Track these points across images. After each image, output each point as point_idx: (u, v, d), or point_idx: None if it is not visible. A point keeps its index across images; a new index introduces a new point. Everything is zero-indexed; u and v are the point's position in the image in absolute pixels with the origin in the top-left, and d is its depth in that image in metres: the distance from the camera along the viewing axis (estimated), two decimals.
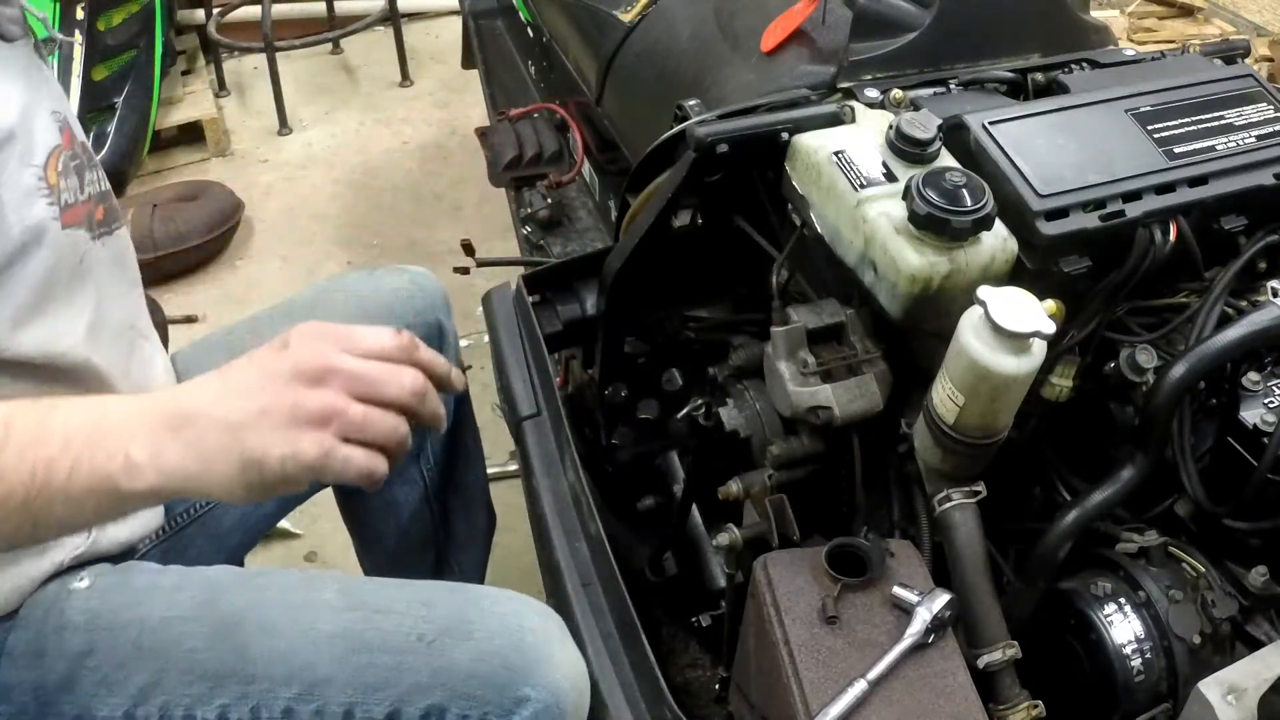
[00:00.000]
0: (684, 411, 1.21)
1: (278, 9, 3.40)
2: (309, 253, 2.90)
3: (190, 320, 2.58)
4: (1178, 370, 0.92)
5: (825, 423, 1.02)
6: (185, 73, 3.51)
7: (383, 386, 0.73)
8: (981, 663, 0.90)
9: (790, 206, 1.10)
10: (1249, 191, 1.04)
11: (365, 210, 3.09)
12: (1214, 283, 1.02)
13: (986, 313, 0.84)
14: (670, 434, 1.30)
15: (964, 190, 0.92)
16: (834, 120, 1.09)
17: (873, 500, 1.11)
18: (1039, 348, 0.86)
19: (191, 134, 3.31)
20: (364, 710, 0.94)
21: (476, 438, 1.52)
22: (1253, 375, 0.96)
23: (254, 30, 3.34)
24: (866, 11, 1.20)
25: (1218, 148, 1.06)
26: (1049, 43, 1.24)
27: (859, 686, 0.84)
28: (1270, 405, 0.94)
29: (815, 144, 1.05)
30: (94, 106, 2.94)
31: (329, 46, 3.85)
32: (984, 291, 0.86)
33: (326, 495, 1.55)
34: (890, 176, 1.00)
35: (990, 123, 1.03)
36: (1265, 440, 0.91)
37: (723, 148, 1.08)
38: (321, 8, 3.71)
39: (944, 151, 1.03)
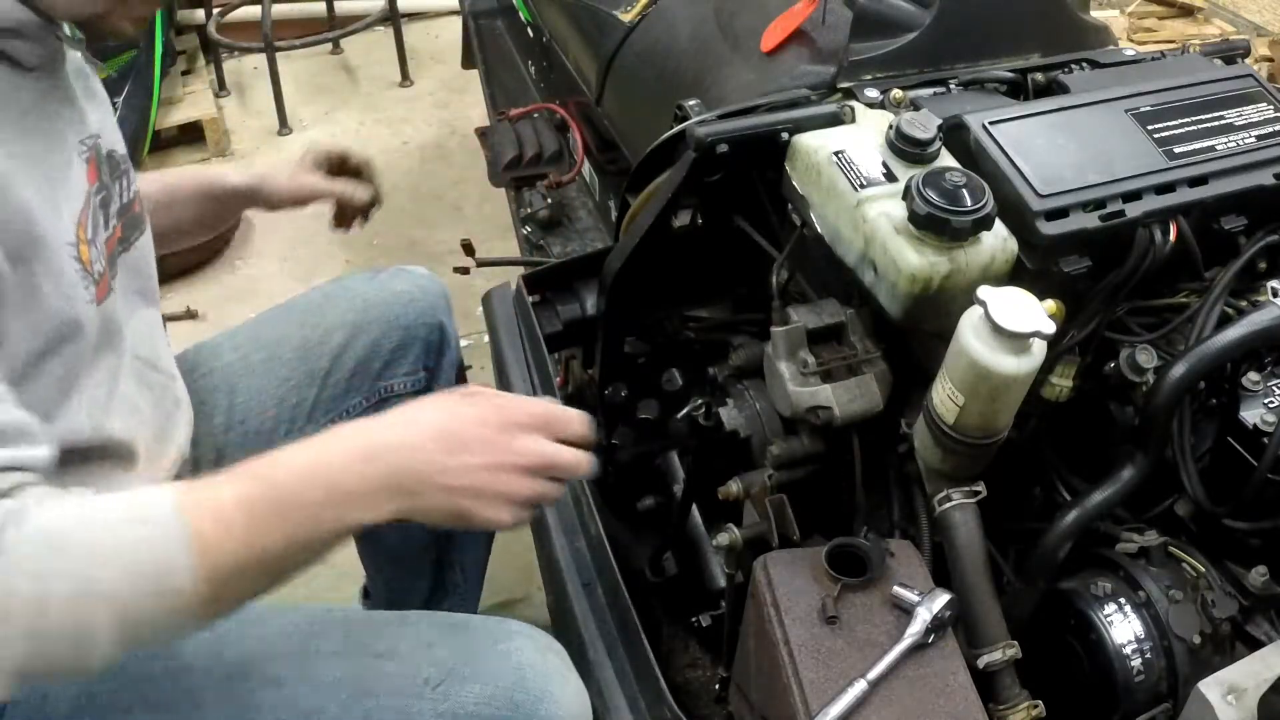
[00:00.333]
0: (684, 411, 1.21)
1: (278, 9, 3.40)
2: (309, 253, 2.90)
3: (191, 315, 2.59)
4: (1178, 370, 0.92)
5: (825, 423, 1.02)
6: (185, 73, 3.50)
7: (562, 468, 0.84)
8: (981, 663, 0.90)
9: (790, 206, 1.10)
10: (1249, 191, 1.04)
11: None
12: (1214, 283, 1.02)
13: (986, 313, 0.84)
14: (670, 434, 1.30)
15: (964, 190, 0.92)
16: (834, 120, 1.09)
17: (873, 500, 1.11)
18: (1039, 348, 0.86)
19: (192, 134, 3.31)
20: None
21: None
22: (1253, 375, 0.96)
23: (254, 30, 3.34)
24: (866, 11, 1.20)
25: (1218, 148, 1.06)
26: (1049, 43, 1.24)
27: (859, 686, 0.84)
28: (1270, 405, 0.94)
29: (815, 144, 1.05)
30: None
31: (329, 46, 3.85)
32: (984, 291, 0.86)
33: None
34: (890, 176, 1.00)
35: (990, 123, 1.03)
36: (1265, 440, 0.91)
37: (723, 148, 1.08)
38: (321, 8, 3.71)
39: (944, 151, 1.03)
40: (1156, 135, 1.06)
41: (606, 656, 0.99)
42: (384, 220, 3.01)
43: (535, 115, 2.14)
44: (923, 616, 0.88)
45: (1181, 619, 0.92)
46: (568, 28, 1.93)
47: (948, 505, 0.96)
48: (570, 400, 1.43)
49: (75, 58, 0.97)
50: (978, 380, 0.87)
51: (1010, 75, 1.20)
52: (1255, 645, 0.92)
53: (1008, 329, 0.83)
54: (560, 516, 1.18)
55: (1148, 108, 1.08)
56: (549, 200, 2.01)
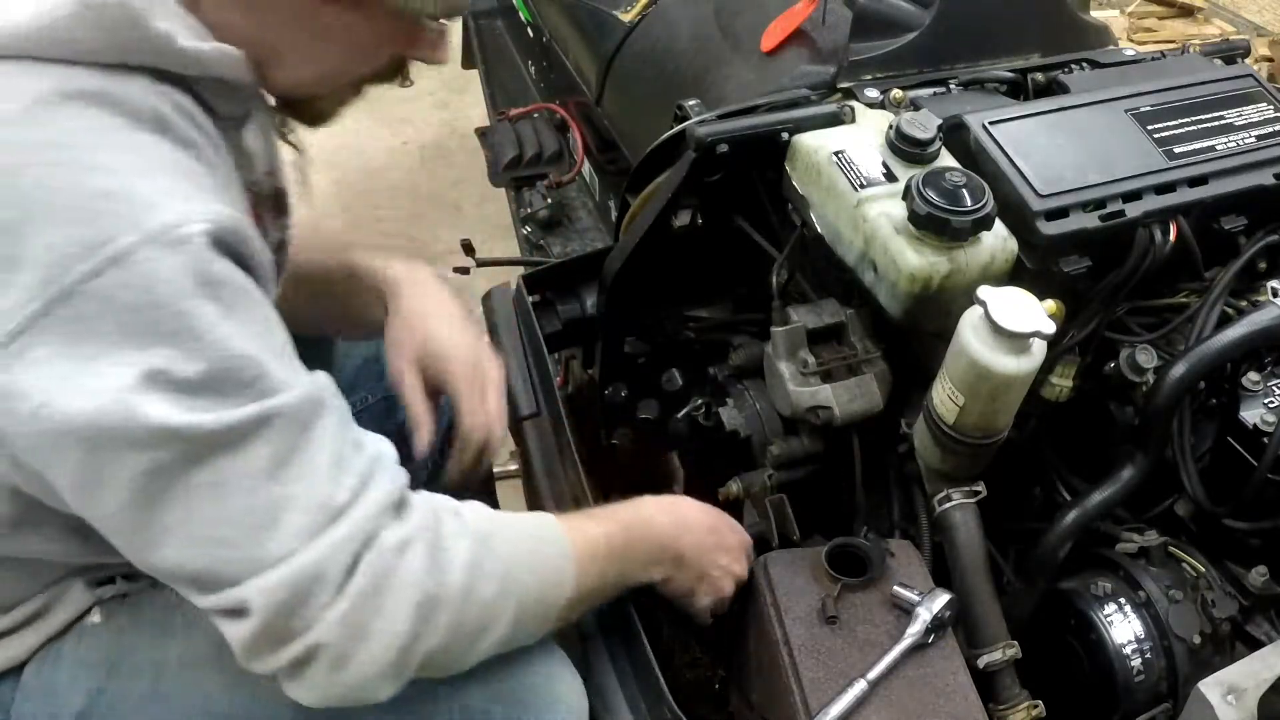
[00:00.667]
0: (684, 411, 1.21)
1: None
2: None
3: None
4: (1178, 370, 0.92)
5: (825, 422, 1.02)
6: None
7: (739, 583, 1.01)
8: (981, 663, 0.90)
9: (790, 206, 1.10)
10: (1249, 191, 1.04)
11: (365, 210, 3.09)
12: (1214, 283, 1.02)
13: (986, 313, 0.84)
14: (670, 434, 1.30)
15: (964, 190, 0.92)
16: (834, 120, 1.09)
17: (873, 500, 1.11)
18: (1039, 348, 0.86)
19: None
20: None
21: None
22: (1253, 375, 0.96)
23: None
24: (866, 11, 1.20)
25: (1218, 148, 1.06)
26: (1049, 43, 1.24)
27: (859, 686, 0.84)
28: (1270, 405, 0.94)
29: (815, 144, 1.05)
30: None
31: None
32: (984, 291, 0.86)
33: None
34: (890, 176, 1.00)
35: (990, 123, 1.03)
36: (1265, 440, 0.91)
37: (723, 148, 1.08)
38: None
39: (944, 151, 1.03)
40: (1156, 135, 1.06)
41: (607, 657, 0.99)
42: (384, 220, 3.03)
43: (535, 115, 2.14)
44: (923, 616, 0.88)
45: (1181, 619, 0.92)
46: (568, 28, 1.93)
47: (948, 505, 0.96)
48: (571, 400, 1.43)
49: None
50: (978, 380, 0.87)
51: (1010, 75, 1.20)
52: (1255, 645, 0.92)
53: (1008, 329, 0.83)
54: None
55: (1148, 108, 1.08)
56: (549, 200, 2.01)
